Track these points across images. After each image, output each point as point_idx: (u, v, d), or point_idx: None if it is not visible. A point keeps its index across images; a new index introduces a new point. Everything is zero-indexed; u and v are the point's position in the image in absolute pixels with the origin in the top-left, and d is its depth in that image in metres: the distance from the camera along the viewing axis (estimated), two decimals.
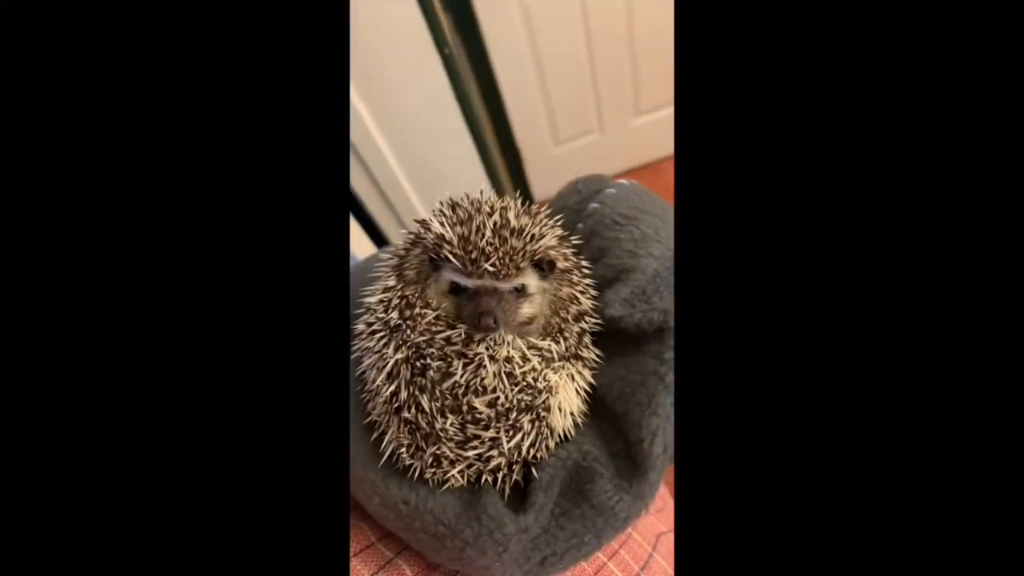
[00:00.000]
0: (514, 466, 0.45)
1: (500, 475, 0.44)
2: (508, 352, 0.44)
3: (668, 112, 2.11)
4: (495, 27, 1.72)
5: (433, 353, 0.43)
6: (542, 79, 1.89)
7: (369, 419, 0.48)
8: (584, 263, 0.51)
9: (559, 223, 0.52)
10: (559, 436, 0.46)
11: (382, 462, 0.46)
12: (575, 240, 0.52)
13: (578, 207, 0.57)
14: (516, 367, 0.43)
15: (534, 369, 0.44)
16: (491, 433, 0.43)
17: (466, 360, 0.43)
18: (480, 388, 0.43)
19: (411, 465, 0.45)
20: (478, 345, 0.44)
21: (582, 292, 0.49)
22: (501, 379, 0.43)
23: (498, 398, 0.43)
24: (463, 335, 0.44)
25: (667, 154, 2.27)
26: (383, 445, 0.46)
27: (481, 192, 0.50)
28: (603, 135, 2.12)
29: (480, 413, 0.43)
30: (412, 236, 0.49)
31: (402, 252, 0.50)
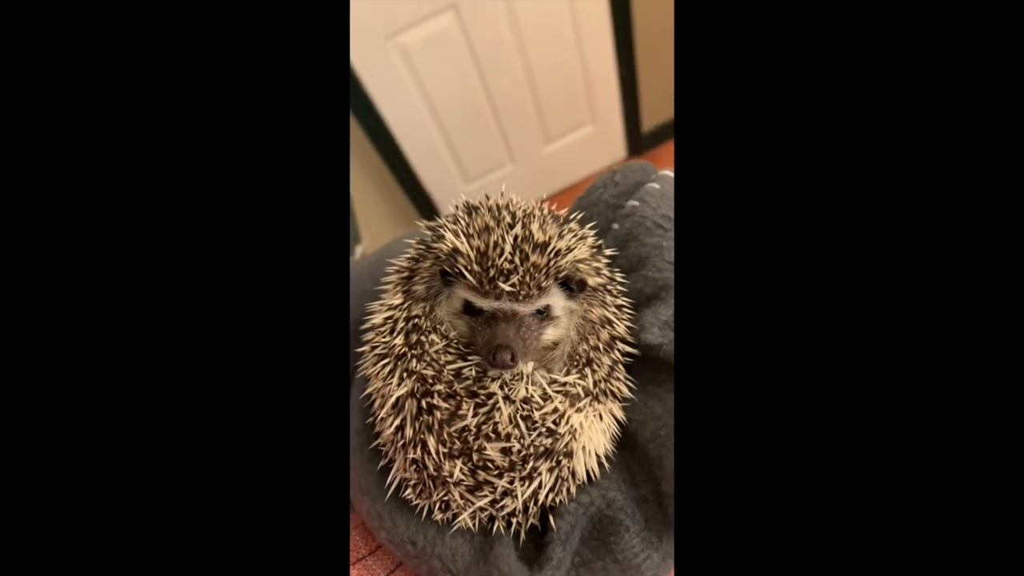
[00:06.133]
0: (530, 508, 0.40)
1: (515, 520, 0.40)
2: (526, 391, 0.38)
3: (579, 135, 1.92)
4: (375, 76, 1.45)
5: (440, 391, 0.38)
6: (439, 122, 1.66)
7: (376, 444, 0.44)
8: (619, 277, 0.44)
9: (592, 227, 0.45)
10: (582, 478, 0.41)
11: (388, 495, 0.42)
12: (610, 252, 0.45)
13: (615, 203, 0.50)
14: (535, 409, 0.38)
15: (556, 410, 0.38)
16: (504, 482, 0.38)
17: (477, 401, 0.38)
18: (493, 434, 0.38)
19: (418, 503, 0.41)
20: (492, 383, 0.38)
21: (616, 314, 0.42)
22: (517, 423, 0.37)
23: (513, 446, 0.38)
24: (475, 370, 0.39)
25: (584, 175, 2.07)
26: (389, 477, 0.42)
27: (501, 195, 0.43)
28: (516, 165, 1.93)
29: (492, 460, 0.38)
30: (422, 246, 0.43)
31: (411, 264, 0.43)
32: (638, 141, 2.06)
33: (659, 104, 1.95)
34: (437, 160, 1.74)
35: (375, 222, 1.67)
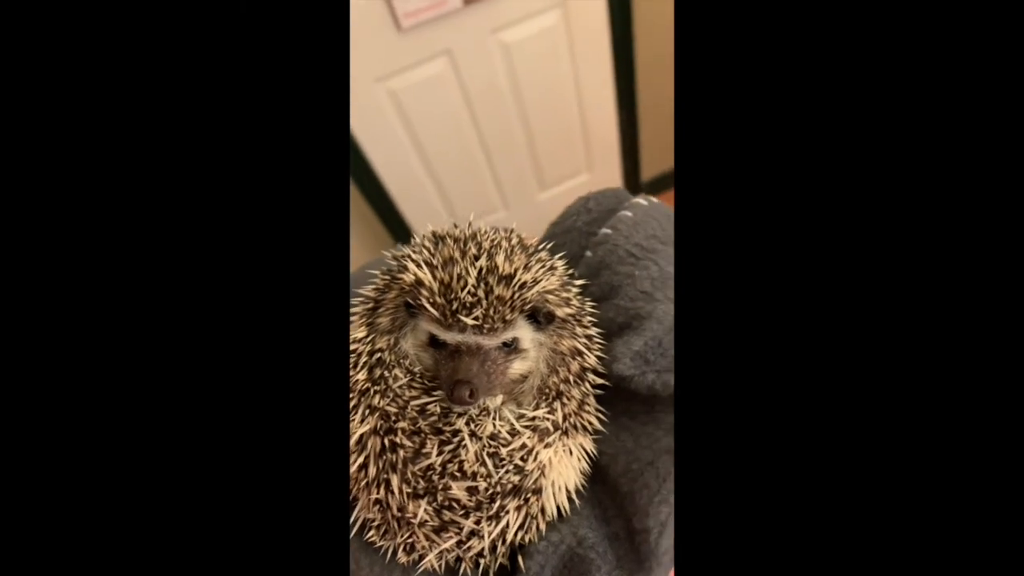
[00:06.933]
0: (498, 548, 0.39)
1: (483, 560, 0.39)
2: (493, 428, 0.37)
3: (575, 183, 1.88)
4: (361, 117, 1.40)
5: (404, 428, 0.37)
6: (428, 165, 1.61)
7: None
8: (590, 306, 0.43)
9: (563, 256, 0.45)
10: (551, 515, 0.40)
11: (353, 532, 0.41)
12: (581, 281, 0.44)
13: (587, 230, 0.49)
14: (502, 445, 0.37)
15: (524, 446, 0.37)
16: (471, 522, 0.37)
17: (442, 438, 0.37)
18: (458, 472, 0.36)
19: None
20: (458, 419, 0.37)
21: (586, 345, 0.41)
22: (483, 461, 0.36)
23: (479, 485, 0.36)
24: (440, 406, 0.37)
25: None
26: (352, 516, 0.40)
27: (469, 225, 0.42)
28: (509, 211, 1.90)
29: (458, 500, 0.37)
30: (387, 277, 0.42)
31: (376, 295, 0.42)
32: (636, 191, 2.03)
33: (659, 154, 1.92)
34: (426, 204, 1.70)
35: (359, 259, 1.65)
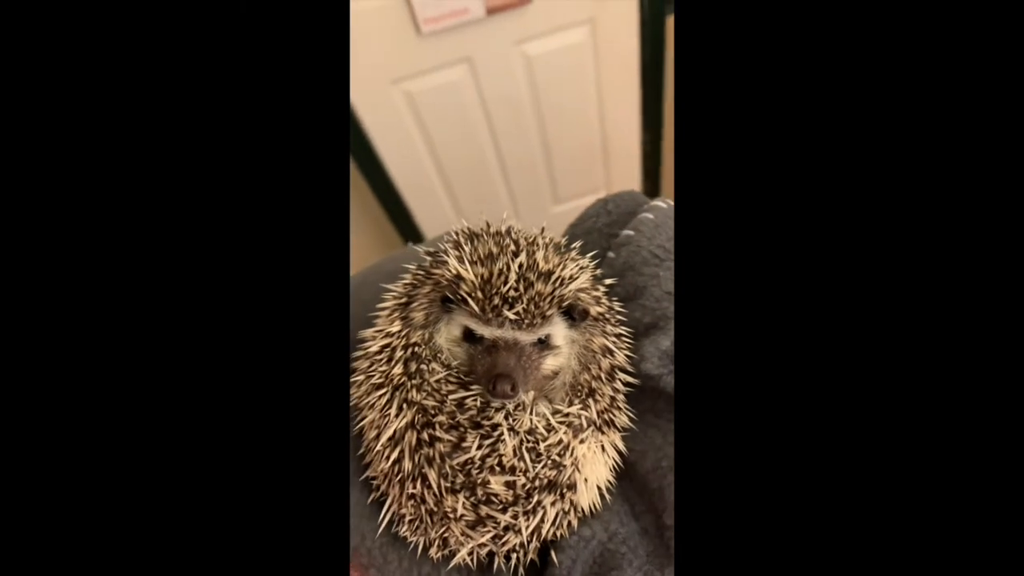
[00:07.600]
0: (530, 543, 0.39)
1: (515, 556, 0.39)
2: (531, 423, 0.37)
3: (592, 199, 1.78)
4: (374, 115, 1.38)
5: (443, 422, 0.37)
6: (440, 168, 1.60)
7: (366, 476, 0.42)
8: (618, 305, 0.44)
9: (589, 254, 0.45)
10: (583, 511, 0.40)
11: (380, 530, 0.40)
12: (609, 282, 0.45)
13: (608, 231, 0.50)
14: (540, 439, 0.37)
15: (560, 442, 0.38)
16: (508, 516, 0.37)
17: (482, 432, 0.37)
18: (497, 466, 0.37)
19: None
20: (496, 414, 0.37)
21: (615, 343, 0.42)
22: (522, 456, 0.37)
23: (518, 479, 0.37)
24: (479, 400, 0.38)
25: None
26: (383, 512, 0.40)
27: (503, 221, 0.43)
28: (521, 220, 1.81)
29: (496, 494, 0.37)
30: (421, 272, 0.42)
31: (408, 290, 0.42)
32: None
33: None
34: (437, 206, 1.67)
35: (365, 254, 1.63)
